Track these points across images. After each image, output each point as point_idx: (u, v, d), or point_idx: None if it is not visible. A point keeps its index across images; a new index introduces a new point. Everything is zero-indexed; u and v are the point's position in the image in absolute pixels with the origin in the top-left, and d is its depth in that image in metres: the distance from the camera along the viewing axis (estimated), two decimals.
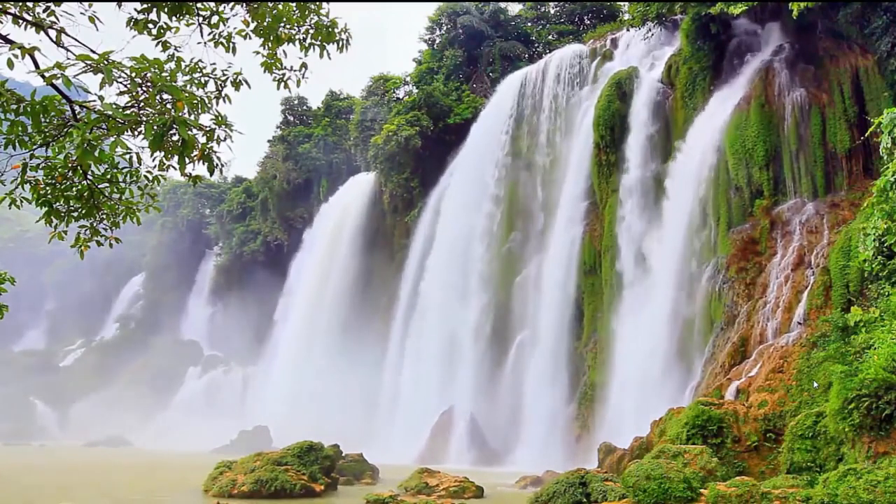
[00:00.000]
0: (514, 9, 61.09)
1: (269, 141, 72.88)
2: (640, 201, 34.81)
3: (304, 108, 73.78)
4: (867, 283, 22.00)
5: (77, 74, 5.42)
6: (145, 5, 6.99)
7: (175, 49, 7.11)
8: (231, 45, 7.36)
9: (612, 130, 36.81)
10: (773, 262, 27.70)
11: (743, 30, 33.29)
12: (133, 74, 5.62)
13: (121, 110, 5.70)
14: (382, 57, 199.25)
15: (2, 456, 43.78)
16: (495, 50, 56.91)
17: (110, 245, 7.09)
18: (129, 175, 6.44)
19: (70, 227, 6.72)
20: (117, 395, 65.95)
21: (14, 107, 5.64)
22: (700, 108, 33.13)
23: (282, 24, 7.40)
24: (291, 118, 73.89)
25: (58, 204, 6.41)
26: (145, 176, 6.56)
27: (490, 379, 40.81)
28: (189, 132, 5.65)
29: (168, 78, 5.80)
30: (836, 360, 20.24)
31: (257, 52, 7.52)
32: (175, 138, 5.67)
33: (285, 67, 7.66)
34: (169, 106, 5.76)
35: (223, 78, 6.95)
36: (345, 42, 7.75)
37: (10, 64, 5.65)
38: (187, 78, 6.66)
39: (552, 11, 60.78)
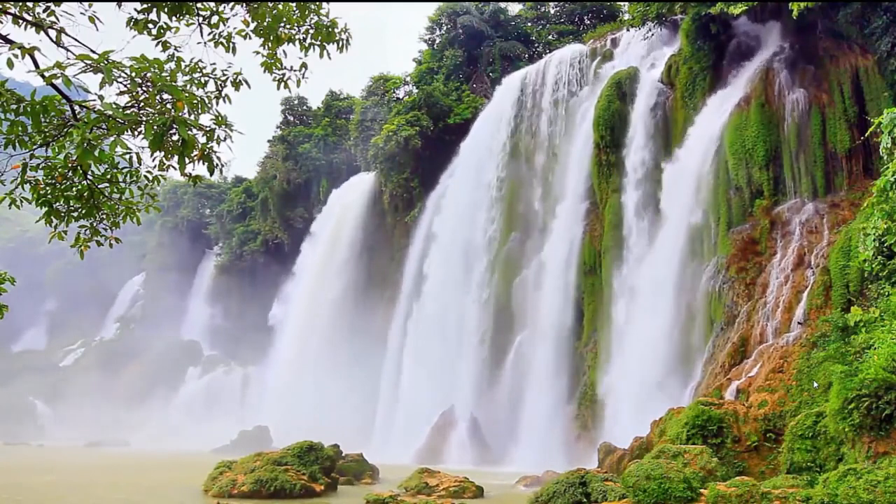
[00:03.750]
0: (514, 9, 61.18)
1: (269, 141, 72.92)
2: (640, 201, 34.81)
3: (304, 108, 73.78)
4: (867, 283, 22.00)
5: (77, 74, 5.42)
6: (145, 5, 6.99)
7: (175, 49, 7.11)
8: (231, 45, 7.37)
9: (612, 130, 36.79)
10: (773, 262, 27.69)
11: (743, 30, 33.28)
12: (133, 74, 5.62)
13: (121, 110, 5.69)
14: (382, 57, 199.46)
15: (2, 456, 43.77)
16: (495, 50, 56.92)
17: (110, 245, 7.10)
18: (129, 175, 6.45)
19: (70, 227, 6.73)
20: (117, 395, 65.95)
21: (14, 107, 5.64)
22: (700, 108, 33.13)
23: (282, 24, 7.41)
24: (291, 118, 73.89)
25: (58, 204, 6.41)
26: (145, 176, 6.56)
27: (490, 379, 40.80)
28: (189, 132, 5.65)
29: (168, 78, 5.80)
30: (836, 360, 20.23)
31: (257, 52, 7.53)
32: (175, 138, 5.67)
33: (285, 67, 7.67)
34: (169, 106, 5.76)
35: (223, 78, 6.96)
36: (345, 42, 7.75)
37: (10, 64, 5.65)
38: (187, 78, 6.66)
39: (552, 11, 60.80)
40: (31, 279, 76.99)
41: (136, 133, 5.77)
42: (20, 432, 61.24)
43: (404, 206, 54.57)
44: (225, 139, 6.31)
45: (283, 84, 7.80)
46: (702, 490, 16.48)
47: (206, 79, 6.82)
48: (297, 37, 7.54)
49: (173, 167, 6.33)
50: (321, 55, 7.67)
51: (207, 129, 6.18)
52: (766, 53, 31.76)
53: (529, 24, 60.88)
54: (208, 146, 6.17)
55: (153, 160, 6.25)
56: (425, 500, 19.78)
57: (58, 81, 5.38)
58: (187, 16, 7.09)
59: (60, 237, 6.84)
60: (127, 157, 6.08)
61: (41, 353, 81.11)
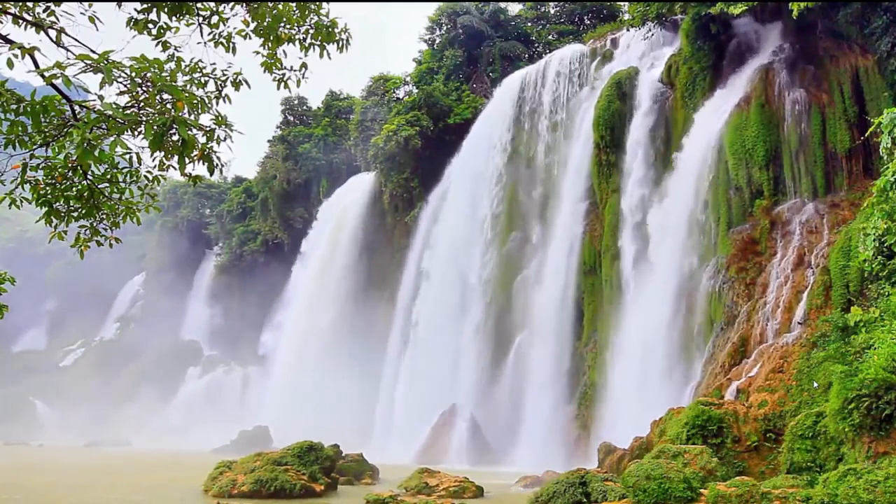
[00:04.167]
0: (514, 9, 61.20)
1: (269, 141, 72.96)
2: (640, 201, 34.80)
3: (304, 108, 73.81)
4: (867, 283, 22.00)
5: (77, 74, 5.42)
6: (145, 5, 6.99)
7: (175, 49, 7.11)
8: (231, 45, 7.37)
9: (612, 130, 36.80)
10: (773, 262, 27.69)
11: (743, 30, 33.29)
12: (133, 74, 5.62)
13: (121, 110, 5.69)
14: (382, 57, 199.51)
15: (2, 456, 43.78)
16: (495, 50, 56.92)
17: (110, 245, 7.10)
18: (129, 175, 6.45)
19: (70, 227, 6.73)
20: (117, 395, 65.98)
21: (14, 107, 5.64)
22: (700, 108, 33.12)
23: (282, 24, 7.41)
24: (291, 118, 73.91)
25: (58, 204, 6.41)
26: (145, 176, 6.56)
27: (490, 379, 40.80)
28: (189, 132, 5.65)
29: (168, 78, 5.80)
30: (836, 360, 20.23)
31: (257, 52, 7.53)
32: (175, 138, 5.67)
33: (285, 67, 7.67)
34: (169, 106, 5.76)
35: (223, 78, 6.96)
36: (345, 42, 7.75)
37: (10, 64, 5.65)
38: (187, 78, 6.66)
39: (552, 11, 60.81)
40: (31, 279, 76.99)
41: (136, 133, 5.77)
42: (20, 432, 61.24)
43: (404, 206, 54.58)
44: (225, 139, 6.31)
45: (283, 84, 7.80)
46: (702, 490, 16.48)
47: (206, 79, 6.82)
48: (297, 37, 7.54)
49: (173, 167, 6.33)
50: (321, 55, 7.68)
51: (207, 129, 6.18)
52: (766, 53, 31.76)
53: (529, 24, 60.87)
54: (208, 146, 6.17)
55: (153, 160, 6.26)
56: (425, 500, 19.78)
57: (58, 81, 5.38)
58: (187, 16, 7.09)
59: (60, 237, 6.84)
60: (127, 157, 6.08)
61: (41, 353, 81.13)
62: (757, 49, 32.59)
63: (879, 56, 27.41)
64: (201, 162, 6.17)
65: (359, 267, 55.87)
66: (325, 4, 7.55)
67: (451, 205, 47.04)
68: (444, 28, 59.97)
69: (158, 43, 7.15)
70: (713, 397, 23.31)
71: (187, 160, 5.94)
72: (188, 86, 6.59)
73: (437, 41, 60.23)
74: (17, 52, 5.48)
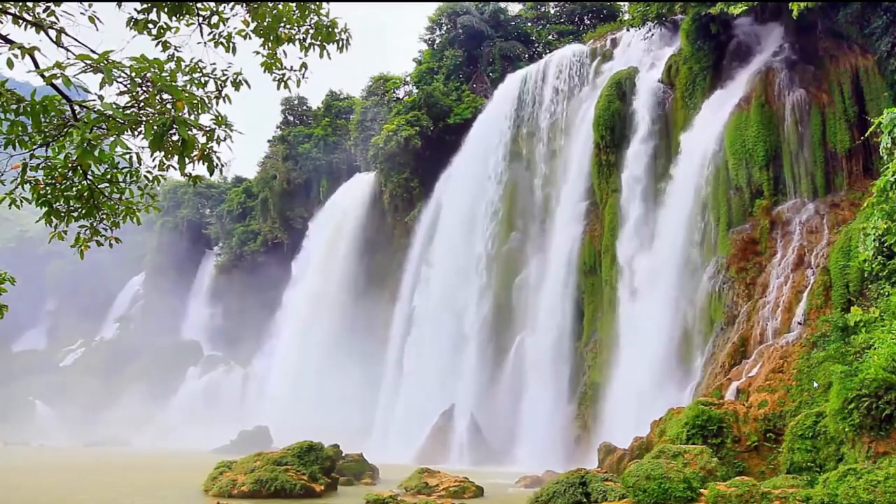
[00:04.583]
0: (514, 9, 61.21)
1: (269, 141, 73.00)
2: (640, 201, 34.80)
3: (304, 108, 73.82)
4: (867, 283, 22.00)
5: (77, 74, 5.42)
6: (145, 5, 6.99)
7: (175, 49, 7.12)
8: (231, 45, 7.37)
9: (612, 130, 36.79)
10: (773, 262, 27.69)
11: (743, 30, 33.29)
12: (133, 74, 5.62)
13: (121, 110, 5.69)
14: (382, 57, 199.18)
15: (1, 456, 43.78)
16: (495, 50, 56.92)
17: (110, 245, 7.10)
18: (129, 175, 6.45)
19: (70, 227, 6.73)
20: (117, 395, 65.96)
21: (14, 107, 5.64)
22: (700, 108, 33.11)
23: (282, 24, 7.41)
24: (291, 118, 73.93)
25: (58, 204, 6.41)
26: (145, 176, 6.56)
27: (490, 379, 40.79)
28: (189, 132, 5.65)
29: (168, 78, 5.80)
30: (836, 360, 20.23)
31: (257, 52, 7.53)
32: (175, 138, 5.67)
33: (285, 67, 7.68)
34: (169, 106, 5.76)
35: (223, 78, 6.96)
36: (345, 42, 7.76)
37: (10, 64, 5.66)
38: (187, 78, 6.66)
39: (552, 11, 60.81)
40: (31, 279, 76.85)
41: (136, 133, 5.78)
42: (20, 432, 61.23)
43: (404, 206, 54.58)
44: (225, 139, 6.31)
45: (283, 84, 7.81)
46: (702, 490, 16.48)
47: (206, 79, 6.82)
48: (297, 37, 7.55)
49: (173, 167, 6.33)
50: (321, 55, 7.68)
51: (207, 129, 6.18)
52: (766, 53, 31.75)
53: (529, 24, 60.87)
54: (208, 146, 6.18)
55: (153, 160, 6.26)
56: (425, 500, 19.79)
57: (58, 81, 5.38)
58: (187, 16, 7.09)
59: (60, 237, 6.85)
60: (127, 157, 6.08)
61: (41, 353, 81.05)
62: (757, 49, 32.58)
63: (879, 56, 27.41)
64: (201, 162, 6.17)
65: (359, 267, 55.91)
66: (325, 4, 7.55)
67: (451, 204, 46.99)
68: (444, 28, 59.98)
69: (158, 43, 7.15)
70: (713, 397, 23.31)
71: (187, 160, 5.94)
72: (188, 86, 6.59)
73: (437, 41, 60.24)
74: (17, 52, 5.48)
